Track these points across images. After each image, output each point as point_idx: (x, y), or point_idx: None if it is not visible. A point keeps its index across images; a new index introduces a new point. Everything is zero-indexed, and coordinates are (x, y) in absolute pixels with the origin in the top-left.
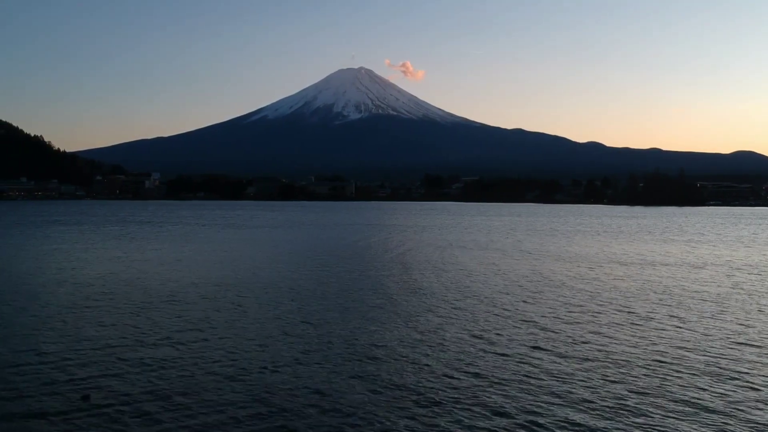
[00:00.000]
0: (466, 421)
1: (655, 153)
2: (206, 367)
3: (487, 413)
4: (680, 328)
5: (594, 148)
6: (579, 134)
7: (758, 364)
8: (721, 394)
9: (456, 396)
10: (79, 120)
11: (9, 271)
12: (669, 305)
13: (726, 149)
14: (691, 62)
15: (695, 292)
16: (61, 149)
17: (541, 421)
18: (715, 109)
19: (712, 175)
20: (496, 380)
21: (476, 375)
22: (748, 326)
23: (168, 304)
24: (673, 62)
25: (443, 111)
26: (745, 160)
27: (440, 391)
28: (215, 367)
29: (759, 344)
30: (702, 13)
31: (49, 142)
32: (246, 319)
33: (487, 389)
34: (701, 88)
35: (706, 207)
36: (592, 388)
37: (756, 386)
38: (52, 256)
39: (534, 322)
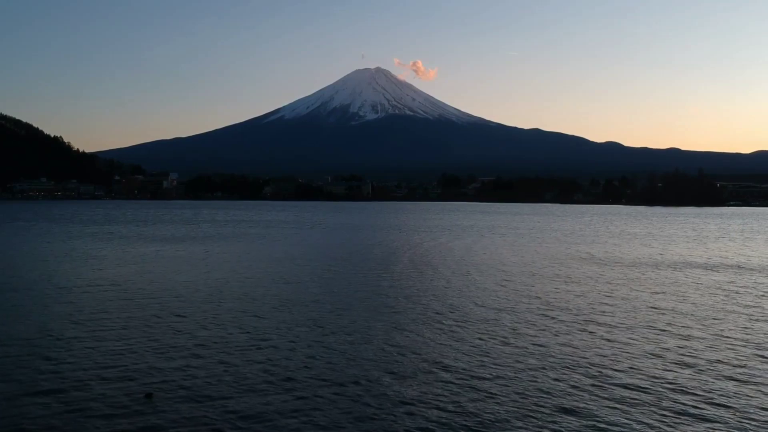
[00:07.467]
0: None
1: (674, 153)
2: (262, 367)
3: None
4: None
5: (613, 148)
6: (597, 134)
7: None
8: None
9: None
10: (98, 121)
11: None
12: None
13: (746, 149)
14: (711, 61)
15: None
16: (81, 150)
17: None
18: (735, 109)
19: (732, 175)
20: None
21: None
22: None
23: (219, 302)
24: (692, 61)
25: (459, 111)
26: (765, 159)
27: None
28: (270, 369)
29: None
30: (720, 12)
31: (69, 142)
32: (293, 315)
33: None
34: (721, 87)
35: (726, 207)
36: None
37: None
38: (89, 255)
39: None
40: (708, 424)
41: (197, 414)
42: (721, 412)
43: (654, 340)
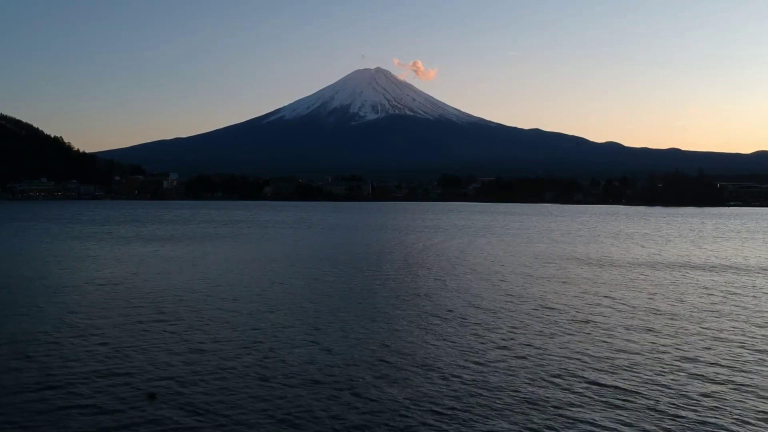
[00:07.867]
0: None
1: (674, 153)
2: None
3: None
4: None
5: (613, 148)
6: (597, 134)
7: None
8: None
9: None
10: (98, 121)
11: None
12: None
13: (746, 149)
14: (711, 61)
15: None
16: (81, 150)
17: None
18: (735, 109)
19: (732, 175)
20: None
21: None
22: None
23: (216, 303)
24: (692, 61)
25: (459, 111)
26: (765, 159)
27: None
28: (278, 372)
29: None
30: (720, 12)
31: (69, 142)
32: (298, 315)
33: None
34: (721, 87)
35: (726, 208)
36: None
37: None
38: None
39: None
40: (704, 426)
41: (192, 414)
42: (718, 413)
43: (650, 341)
